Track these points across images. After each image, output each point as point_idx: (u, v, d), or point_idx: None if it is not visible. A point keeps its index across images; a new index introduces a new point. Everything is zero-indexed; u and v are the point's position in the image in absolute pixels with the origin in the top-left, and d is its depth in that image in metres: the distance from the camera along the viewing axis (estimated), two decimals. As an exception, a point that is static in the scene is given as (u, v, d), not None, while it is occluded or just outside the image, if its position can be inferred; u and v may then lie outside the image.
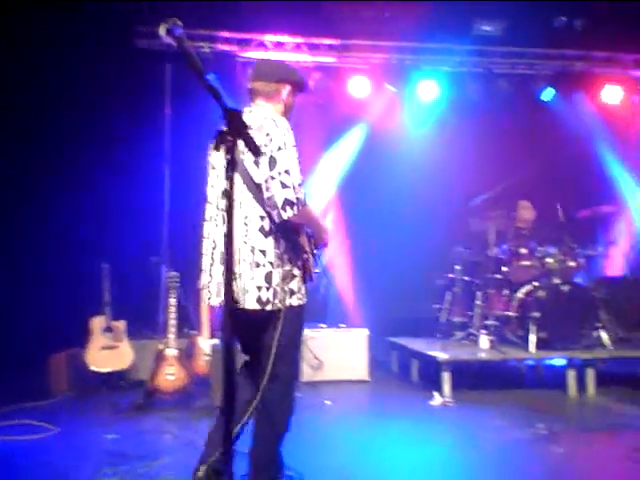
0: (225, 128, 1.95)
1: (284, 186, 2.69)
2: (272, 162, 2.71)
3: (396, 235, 6.98)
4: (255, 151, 2.11)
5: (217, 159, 2.91)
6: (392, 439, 4.34)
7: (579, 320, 6.02)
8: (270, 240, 2.79)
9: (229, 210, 1.97)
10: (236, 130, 1.95)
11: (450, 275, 6.65)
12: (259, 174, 2.75)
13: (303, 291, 2.91)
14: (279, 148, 2.72)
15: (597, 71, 7.65)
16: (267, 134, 2.73)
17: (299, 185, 2.74)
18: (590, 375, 5.70)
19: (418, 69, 7.32)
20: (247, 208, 2.78)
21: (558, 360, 6.05)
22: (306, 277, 2.93)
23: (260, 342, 2.86)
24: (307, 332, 6.15)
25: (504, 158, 7.34)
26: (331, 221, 3.15)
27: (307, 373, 6.06)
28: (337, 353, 6.16)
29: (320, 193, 7.60)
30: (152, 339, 5.76)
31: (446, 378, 5.49)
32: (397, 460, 3.90)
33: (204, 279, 2.94)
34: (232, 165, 1.98)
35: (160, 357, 5.11)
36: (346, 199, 7.46)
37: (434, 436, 4.36)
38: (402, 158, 7.21)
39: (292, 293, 2.84)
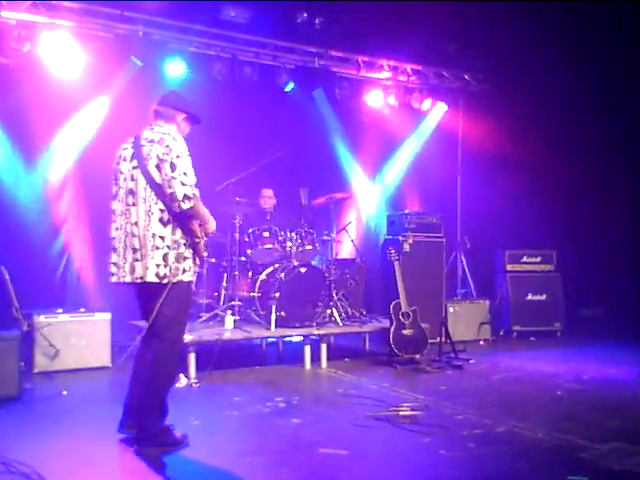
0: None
1: (183, 184, 3.46)
2: (173, 166, 3.47)
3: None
4: None
5: (124, 166, 3.66)
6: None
7: (314, 299, 6.51)
8: (168, 228, 3.55)
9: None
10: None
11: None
12: (160, 176, 3.51)
13: (193, 270, 3.68)
14: (177, 156, 3.49)
15: (334, 69, 8.23)
16: (167, 146, 3.52)
17: (194, 185, 3.50)
18: (323, 349, 6.23)
19: (165, 45, 7.12)
20: (150, 203, 3.53)
21: (296, 337, 6.49)
22: (196, 259, 3.69)
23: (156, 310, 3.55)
24: (42, 318, 5.69)
25: (250, 144, 7.56)
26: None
27: (41, 363, 5.61)
28: (77, 339, 5.81)
29: (55, 169, 7.04)
30: None
31: (192, 359, 5.54)
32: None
33: (118, 260, 3.63)
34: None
35: None
36: (86, 176, 7.00)
37: (179, 418, 4.36)
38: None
39: (184, 271, 3.60)
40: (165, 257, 3.54)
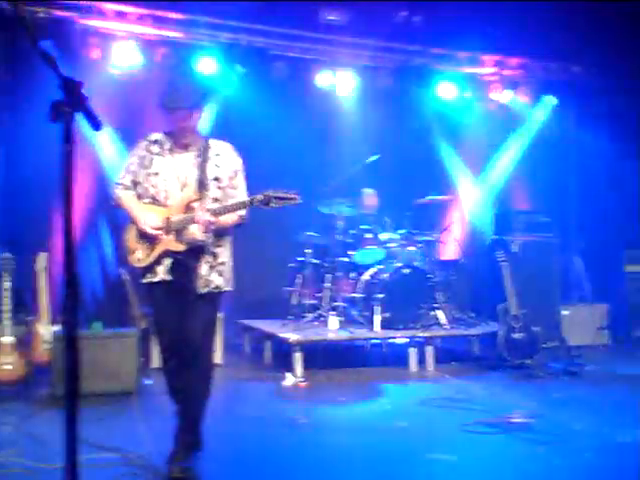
0: (62, 99, 1.79)
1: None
2: None
3: (248, 218, 6.93)
4: (95, 124, 1.97)
5: None
6: (244, 421, 4.34)
7: (418, 301, 6.40)
8: None
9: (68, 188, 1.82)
10: (74, 101, 1.80)
11: (301, 258, 6.75)
12: None
13: (148, 273, 3.40)
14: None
15: (434, 67, 8.08)
16: None
17: (116, 182, 3.48)
18: (429, 352, 6.09)
19: (267, 52, 7.28)
20: None
21: (400, 338, 6.41)
22: (151, 261, 3.38)
23: None
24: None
25: (351, 146, 7.55)
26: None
27: (158, 359, 5.87)
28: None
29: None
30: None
31: (297, 359, 5.60)
32: (249, 441, 3.91)
33: None
34: (69, 137, 1.82)
35: (-6, 345, 4.72)
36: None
37: (286, 416, 4.43)
38: (252, 140, 7.15)
39: (142, 273, 3.43)
40: None
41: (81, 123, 1.76)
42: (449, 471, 3.42)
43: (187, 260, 3.34)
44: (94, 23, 6.57)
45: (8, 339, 4.77)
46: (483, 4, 7.26)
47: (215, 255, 3.41)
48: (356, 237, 6.68)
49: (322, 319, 6.36)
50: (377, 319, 6.09)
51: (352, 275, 6.71)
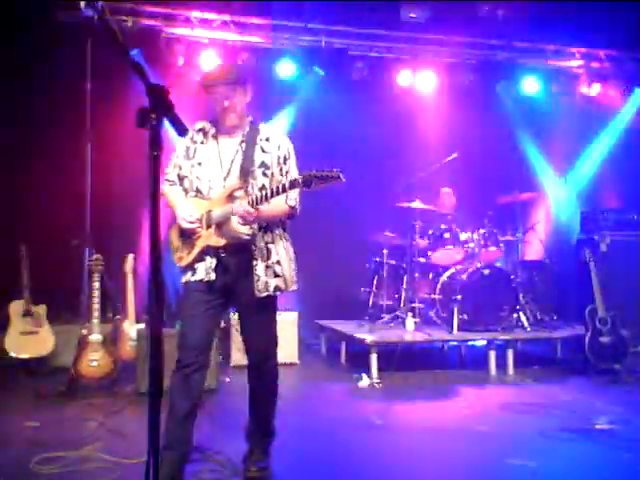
0: (149, 105, 1.87)
1: None
2: None
3: (325, 219, 6.99)
4: (180, 130, 2.04)
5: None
6: (320, 421, 4.39)
7: (499, 302, 6.25)
8: None
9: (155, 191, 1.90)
10: (160, 107, 1.88)
11: (378, 259, 6.73)
12: None
13: (187, 271, 3.14)
14: None
15: (518, 60, 7.87)
16: None
17: (164, 179, 3.20)
18: (510, 355, 5.93)
19: (347, 53, 7.31)
20: None
21: (479, 341, 6.28)
22: (192, 258, 3.13)
23: None
24: (236, 315, 6.09)
25: (427, 144, 7.47)
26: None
27: (236, 357, 6.02)
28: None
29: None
30: (74, 324, 5.57)
31: (374, 360, 5.59)
32: (324, 441, 3.94)
33: None
34: (156, 143, 1.90)
35: (83, 343, 4.97)
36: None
37: (362, 416, 4.44)
38: (330, 142, 7.22)
39: (183, 272, 3.19)
40: None
41: (167, 129, 1.82)
42: (528, 477, 3.33)
43: (231, 258, 3.06)
44: (179, 31, 6.81)
45: (96, 337, 4.99)
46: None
47: (268, 253, 3.08)
48: (434, 237, 6.60)
49: (399, 320, 6.32)
50: (455, 321, 5.99)
51: (430, 276, 6.64)
